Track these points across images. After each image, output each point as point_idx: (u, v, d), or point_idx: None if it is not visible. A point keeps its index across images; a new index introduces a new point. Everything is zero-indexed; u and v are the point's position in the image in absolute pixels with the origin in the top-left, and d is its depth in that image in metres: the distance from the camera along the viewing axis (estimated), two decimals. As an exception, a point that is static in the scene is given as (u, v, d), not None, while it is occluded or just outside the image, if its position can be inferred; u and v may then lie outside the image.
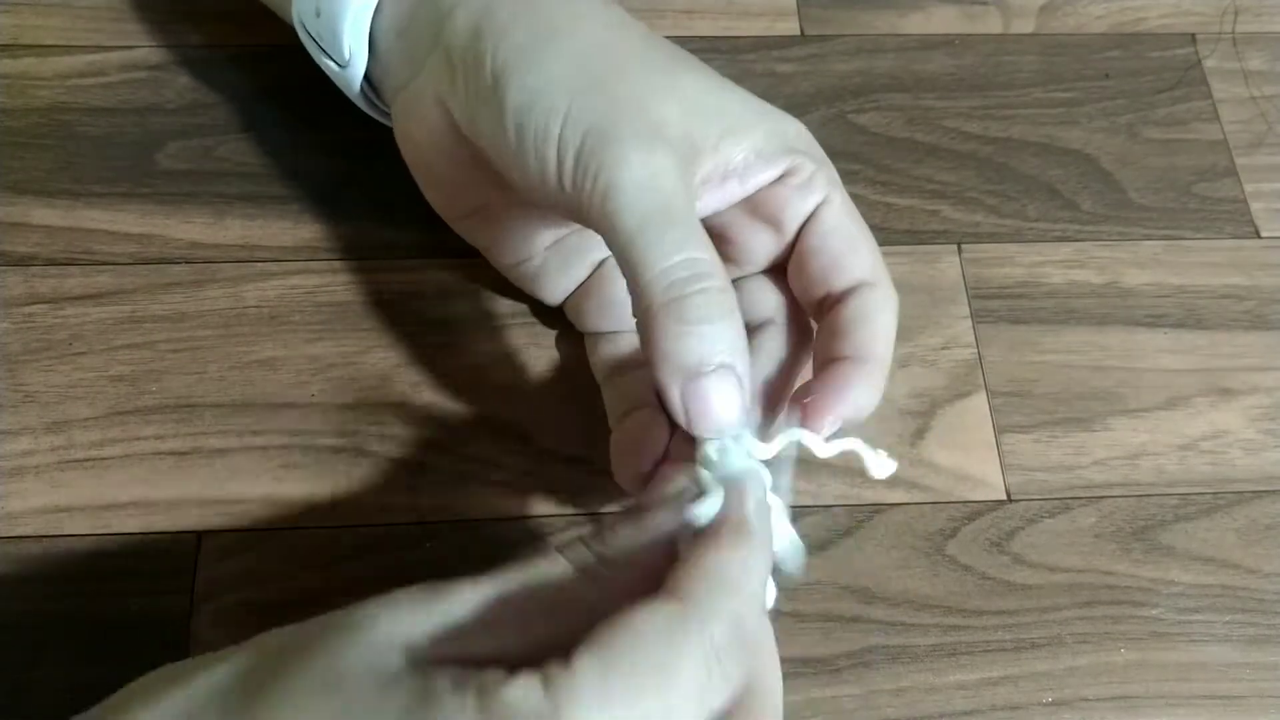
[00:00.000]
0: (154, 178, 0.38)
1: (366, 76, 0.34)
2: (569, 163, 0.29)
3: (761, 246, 0.32)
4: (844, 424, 0.29)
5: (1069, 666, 0.33)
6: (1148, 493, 0.36)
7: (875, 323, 0.31)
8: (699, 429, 0.27)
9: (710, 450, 0.27)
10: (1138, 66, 0.44)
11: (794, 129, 0.32)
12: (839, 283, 0.31)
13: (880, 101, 0.42)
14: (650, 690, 0.22)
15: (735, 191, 0.31)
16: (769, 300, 0.33)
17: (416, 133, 0.33)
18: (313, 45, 0.35)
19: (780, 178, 0.31)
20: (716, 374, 0.27)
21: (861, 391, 0.30)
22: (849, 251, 0.31)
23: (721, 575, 0.24)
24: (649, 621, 0.22)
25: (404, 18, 0.33)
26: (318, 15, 0.34)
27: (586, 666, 0.21)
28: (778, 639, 0.33)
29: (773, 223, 0.31)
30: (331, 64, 0.34)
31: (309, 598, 0.32)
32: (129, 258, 0.37)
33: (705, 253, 0.28)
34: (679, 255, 0.27)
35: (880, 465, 0.30)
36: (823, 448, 0.29)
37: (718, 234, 0.32)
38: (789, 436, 0.28)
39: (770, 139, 0.30)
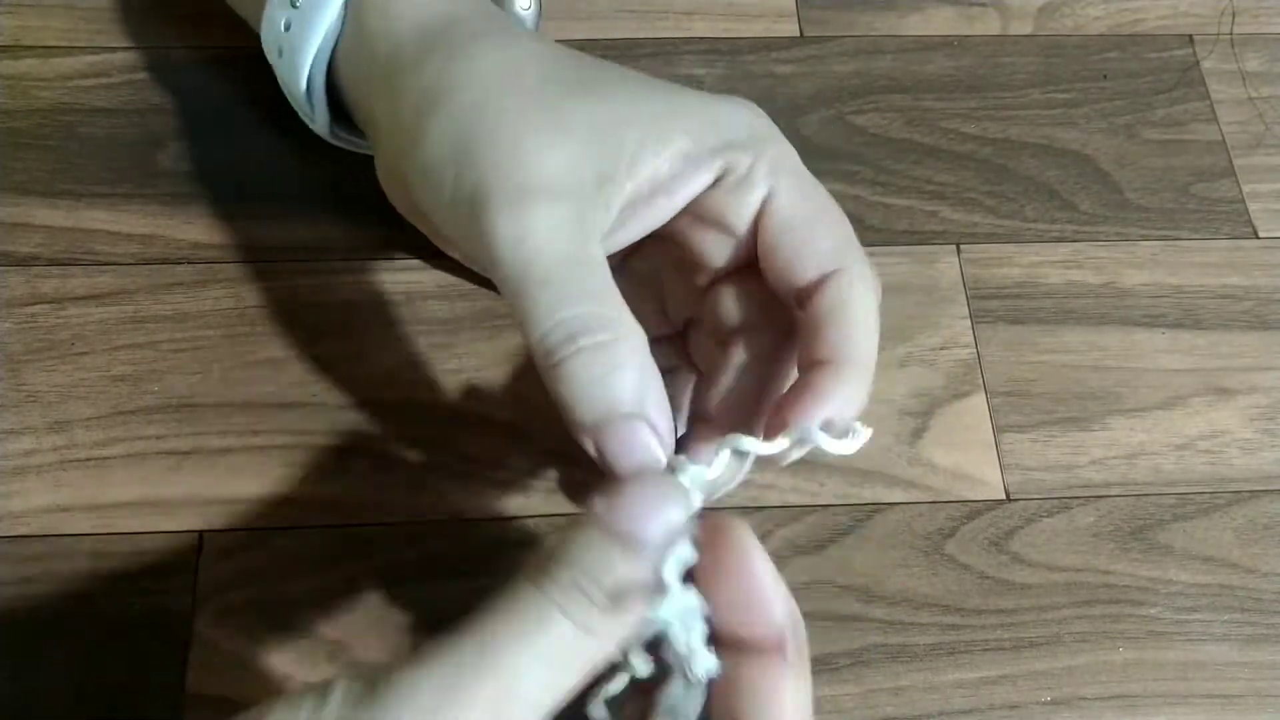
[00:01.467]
0: (156, 178, 0.39)
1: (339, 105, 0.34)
2: (462, 238, 0.29)
3: (719, 250, 0.30)
4: (835, 429, 0.28)
5: (1067, 665, 0.33)
6: (1146, 492, 0.36)
7: (846, 316, 0.29)
8: (621, 473, 0.26)
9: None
10: (1136, 67, 0.44)
11: (727, 118, 0.30)
12: (804, 276, 0.29)
13: (879, 102, 0.42)
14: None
15: (666, 205, 0.29)
16: (737, 306, 0.31)
17: (379, 173, 0.33)
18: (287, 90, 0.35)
19: (716, 180, 0.29)
20: (621, 424, 0.26)
21: (839, 399, 0.28)
22: (805, 241, 0.29)
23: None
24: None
25: (348, 68, 0.33)
26: (280, 55, 0.34)
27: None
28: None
29: (721, 226, 0.30)
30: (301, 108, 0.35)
31: (310, 597, 0.32)
32: (131, 258, 0.37)
33: (586, 306, 0.26)
34: (552, 318, 0.26)
35: (838, 444, 0.27)
36: (772, 448, 0.27)
37: (673, 241, 0.31)
38: (727, 444, 0.26)
39: (696, 140, 0.29)
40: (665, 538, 0.23)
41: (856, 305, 0.29)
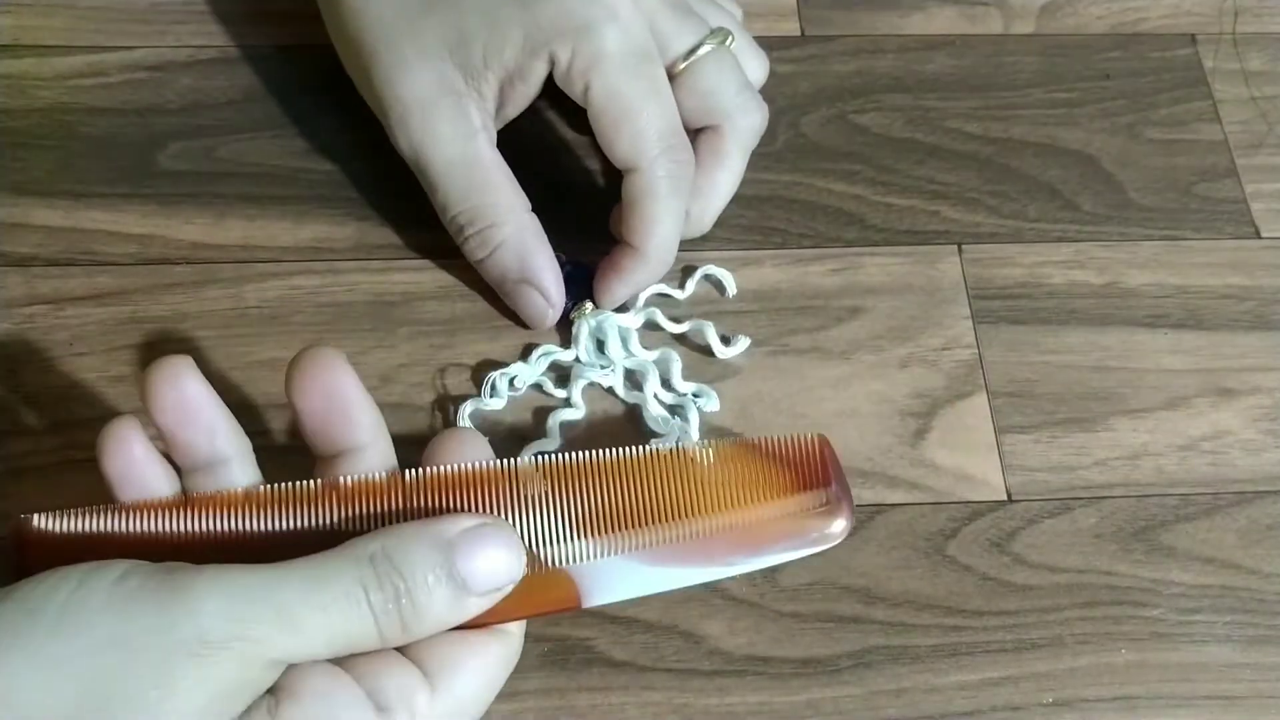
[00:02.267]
0: (155, 178, 0.38)
1: None
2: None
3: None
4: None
5: (1070, 667, 0.33)
6: (1148, 493, 0.36)
7: (635, 210, 0.34)
8: (526, 316, 0.36)
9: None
10: (1138, 67, 0.44)
11: (559, 5, 0.33)
12: (616, 163, 0.34)
13: (881, 102, 0.42)
14: None
15: (524, 90, 0.35)
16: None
17: None
18: None
19: (551, 70, 0.34)
20: (512, 287, 0.36)
21: (629, 278, 0.35)
22: (610, 139, 0.34)
23: None
24: None
25: None
26: None
27: None
28: (779, 640, 0.33)
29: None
30: None
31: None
32: (130, 258, 0.37)
33: (471, 200, 0.35)
34: (447, 213, 0.35)
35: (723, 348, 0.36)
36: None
37: None
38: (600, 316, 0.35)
39: (529, 35, 0.34)
40: (490, 593, 0.26)
41: (644, 202, 0.34)
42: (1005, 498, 0.35)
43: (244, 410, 0.35)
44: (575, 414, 0.35)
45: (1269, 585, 0.34)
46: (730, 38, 0.37)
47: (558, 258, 0.36)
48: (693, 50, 0.36)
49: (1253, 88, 0.44)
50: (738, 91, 0.37)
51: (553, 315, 0.36)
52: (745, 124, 0.37)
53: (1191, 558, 0.35)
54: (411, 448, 0.35)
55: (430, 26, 0.34)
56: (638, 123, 0.34)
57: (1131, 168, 0.41)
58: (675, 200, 0.35)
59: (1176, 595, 0.34)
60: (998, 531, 0.35)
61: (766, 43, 0.43)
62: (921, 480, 0.35)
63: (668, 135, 0.34)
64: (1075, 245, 0.40)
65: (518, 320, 0.37)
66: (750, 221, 0.39)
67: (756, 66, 0.39)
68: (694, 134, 0.36)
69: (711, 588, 0.33)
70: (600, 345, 0.36)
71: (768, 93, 0.42)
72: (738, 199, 0.39)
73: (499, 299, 0.37)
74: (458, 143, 0.34)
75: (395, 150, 0.36)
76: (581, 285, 0.36)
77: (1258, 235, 0.40)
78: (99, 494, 0.33)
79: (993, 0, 0.45)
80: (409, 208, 0.38)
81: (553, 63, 0.34)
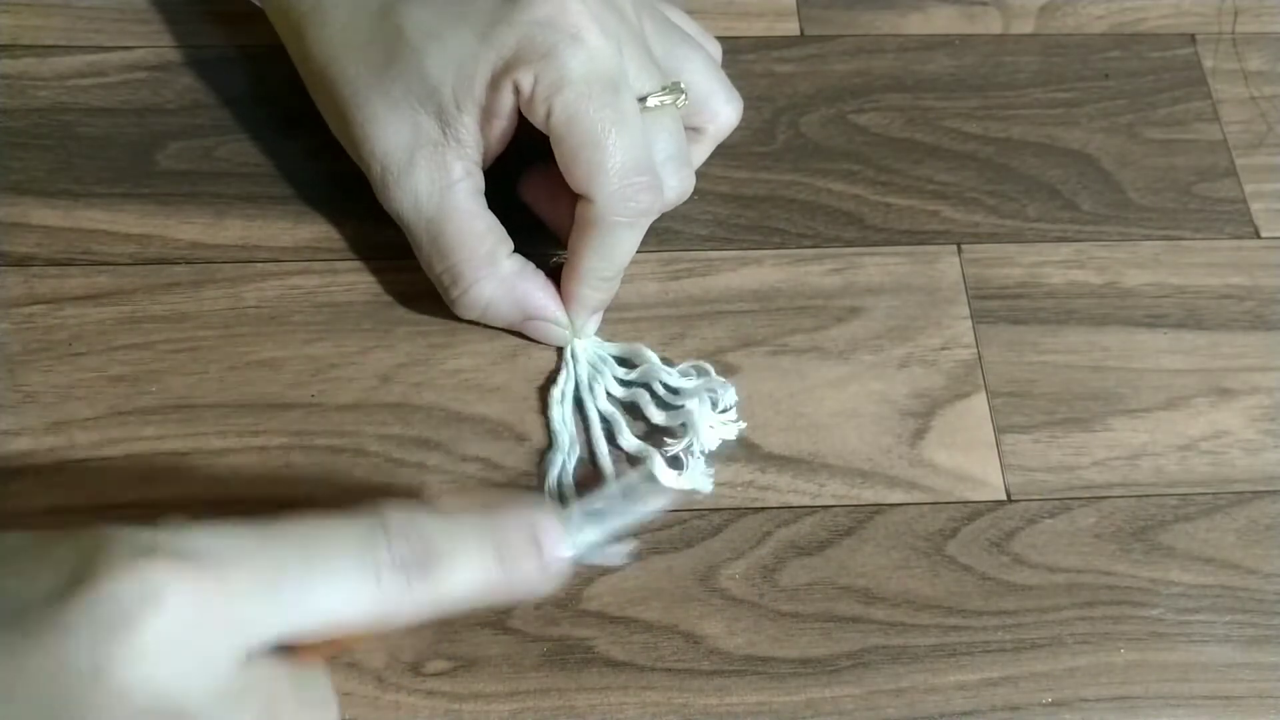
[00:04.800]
0: (154, 178, 0.38)
1: None
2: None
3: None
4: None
5: (1069, 667, 0.33)
6: (1148, 493, 0.36)
7: (581, 239, 0.34)
8: (533, 333, 0.36)
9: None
10: (1138, 67, 0.44)
11: (517, 30, 0.32)
12: (574, 189, 0.33)
13: (880, 102, 0.42)
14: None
15: (499, 124, 0.34)
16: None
17: None
18: None
19: (516, 98, 0.33)
20: (523, 326, 0.36)
21: (572, 303, 0.35)
22: (567, 166, 0.33)
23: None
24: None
25: None
26: None
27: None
28: (778, 639, 0.33)
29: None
30: None
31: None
32: (129, 258, 0.37)
33: (450, 259, 0.34)
34: (433, 271, 0.35)
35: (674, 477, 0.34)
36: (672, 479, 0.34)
37: None
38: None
39: (492, 66, 0.33)
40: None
41: (591, 231, 0.34)
42: (1005, 498, 0.35)
43: (242, 410, 0.35)
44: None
45: (1268, 585, 0.34)
46: (681, 97, 0.34)
47: (556, 259, 0.36)
48: (641, 100, 0.33)
49: (1252, 88, 0.44)
50: (664, 160, 0.34)
51: (569, 334, 0.36)
52: (671, 188, 0.35)
53: (1191, 558, 0.35)
54: (411, 448, 0.35)
55: (395, 78, 0.34)
56: (595, 154, 0.32)
57: (1131, 167, 0.41)
58: (628, 234, 0.34)
59: (1176, 595, 0.34)
60: (997, 531, 0.35)
61: (766, 43, 0.43)
62: (921, 480, 0.35)
63: (628, 171, 0.33)
64: (1075, 245, 0.40)
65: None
66: (750, 221, 0.39)
67: (729, 111, 0.37)
68: None
69: (711, 587, 0.33)
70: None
71: (767, 93, 0.42)
72: (738, 199, 0.39)
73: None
74: (434, 199, 0.34)
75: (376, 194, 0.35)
76: None
77: (1257, 235, 0.40)
78: (99, 494, 0.33)
79: (992, 0, 0.45)
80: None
81: (517, 91, 0.33)
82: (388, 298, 0.37)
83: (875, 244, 0.39)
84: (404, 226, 0.35)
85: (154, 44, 0.41)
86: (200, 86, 0.40)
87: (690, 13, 0.43)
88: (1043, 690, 0.33)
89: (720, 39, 0.42)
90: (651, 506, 0.32)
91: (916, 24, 0.44)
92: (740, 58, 0.42)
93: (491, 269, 0.34)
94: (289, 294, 0.37)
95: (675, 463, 0.34)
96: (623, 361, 0.36)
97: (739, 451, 0.35)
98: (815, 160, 0.41)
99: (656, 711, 0.32)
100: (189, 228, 0.38)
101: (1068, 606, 0.34)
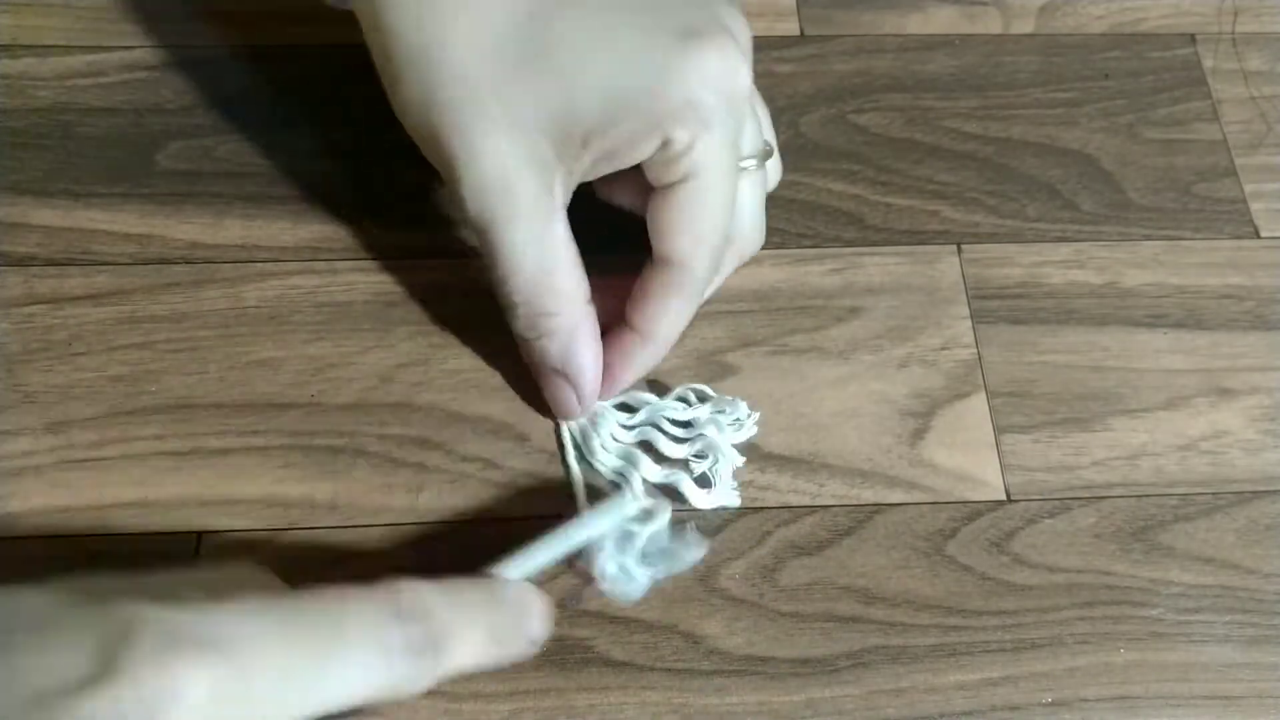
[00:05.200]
0: (153, 178, 0.38)
1: None
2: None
3: (632, 184, 0.34)
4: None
5: (1069, 667, 0.33)
6: (1147, 493, 0.36)
7: (656, 301, 0.33)
8: (557, 411, 0.35)
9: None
10: (1138, 67, 0.44)
11: (681, 83, 0.30)
12: (657, 250, 0.33)
13: (880, 102, 0.42)
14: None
15: (614, 164, 0.32)
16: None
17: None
18: None
19: (657, 149, 0.31)
20: (546, 376, 0.34)
21: (635, 363, 0.34)
22: (672, 229, 0.32)
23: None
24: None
25: None
26: None
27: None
28: (778, 639, 0.33)
29: (642, 176, 0.33)
30: None
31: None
32: (128, 258, 0.37)
33: (536, 294, 0.32)
34: (513, 300, 0.33)
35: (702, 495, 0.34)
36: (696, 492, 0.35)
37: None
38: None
39: (644, 119, 0.30)
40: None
41: (671, 298, 0.33)
42: (1004, 497, 0.35)
43: (242, 410, 0.35)
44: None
45: (1268, 585, 0.34)
46: (771, 154, 0.35)
47: None
48: (744, 160, 0.33)
49: (1252, 87, 0.44)
50: (755, 215, 0.35)
51: (580, 412, 0.34)
52: (750, 247, 0.36)
53: (1190, 558, 0.35)
54: (411, 448, 0.35)
55: (527, 89, 0.30)
56: (705, 228, 0.32)
57: (1131, 167, 0.41)
58: (697, 301, 0.34)
59: (1175, 595, 0.34)
60: (997, 531, 0.35)
61: (766, 43, 0.43)
62: (920, 480, 0.35)
63: (724, 241, 0.33)
64: (1074, 245, 0.40)
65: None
66: (749, 221, 0.39)
67: (776, 179, 0.37)
68: None
69: (711, 587, 0.33)
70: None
71: (767, 93, 0.42)
72: (737, 199, 0.39)
73: (498, 300, 0.37)
74: (535, 224, 0.31)
75: (458, 209, 0.32)
76: None
77: (1257, 235, 0.40)
78: (99, 494, 0.33)
79: (992, 0, 0.45)
80: (409, 208, 0.38)
81: (662, 145, 0.31)
82: (388, 298, 0.37)
83: (875, 244, 0.39)
84: (488, 239, 0.32)
85: (154, 44, 0.41)
86: (200, 86, 0.40)
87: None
88: (1043, 690, 0.33)
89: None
90: (687, 559, 0.33)
91: (916, 24, 0.44)
92: (740, 58, 0.42)
93: (570, 305, 0.33)
94: (289, 294, 0.37)
95: (703, 481, 0.34)
96: (622, 406, 0.36)
97: (739, 451, 0.35)
98: (815, 160, 0.41)
99: (656, 711, 0.32)
100: (189, 228, 0.38)
101: (1068, 606, 0.34)
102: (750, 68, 0.32)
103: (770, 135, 0.36)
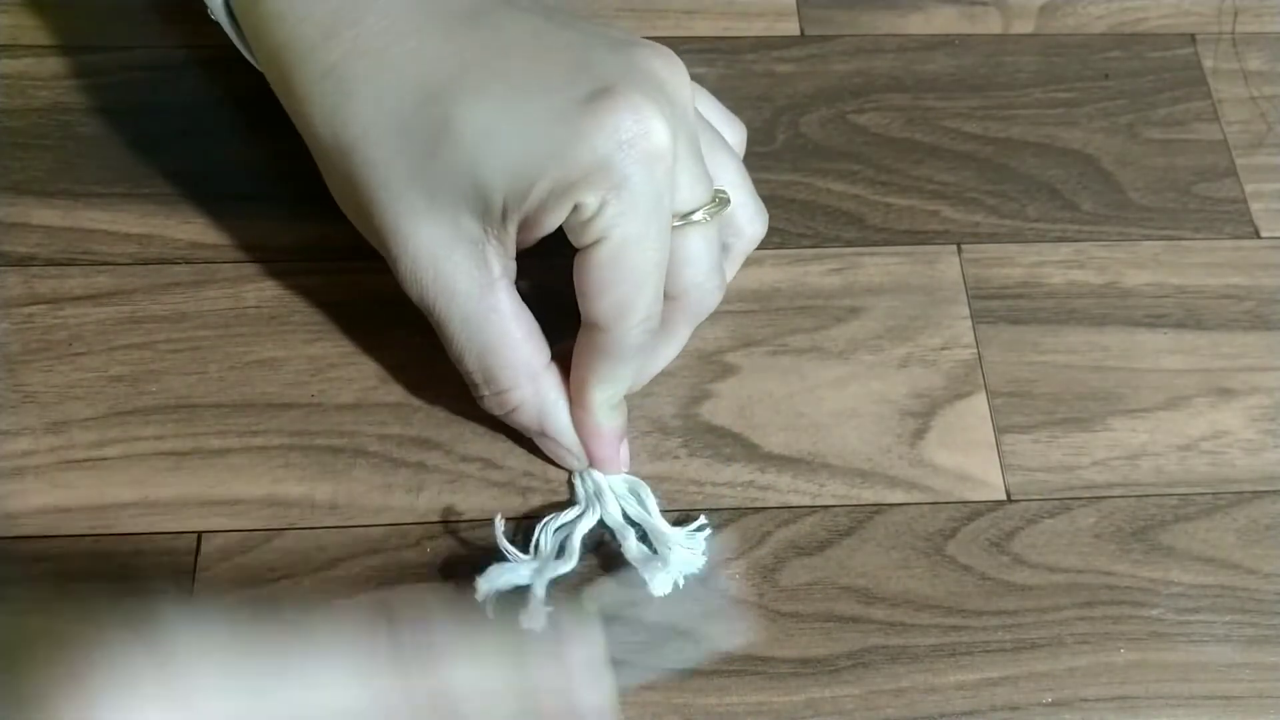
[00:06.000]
0: (153, 178, 0.38)
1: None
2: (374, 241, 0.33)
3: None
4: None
5: (1069, 667, 0.33)
6: (1148, 493, 0.36)
7: (587, 368, 0.32)
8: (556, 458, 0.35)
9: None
10: (1138, 67, 0.44)
11: (592, 145, 0.29)
12: (584, 315, 0.32)
13: (880, 102, 0.42)
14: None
15: (536, 231, 0.31)
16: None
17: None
18: None
19: (570, 213, 0.30)
20: (539, 440, 0.34)
21: (590, 435, 0.34)
22: (597, 294, 0.31)
23: None
24: None
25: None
26: None
27: None
28: (778, 639, 0.33)
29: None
30: None
31: (309, 598, 0.32)
32: (129, 258, 0.37)
33: (487, 360, 0.32)
34: (462, 366, 0.33)
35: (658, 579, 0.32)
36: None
37: None
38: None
39: (556, 182, 0.29)
40: None
41: (600, 361, 0.32)
42: (1004, 497, 0.35)
43: (242, 410, 0.35)
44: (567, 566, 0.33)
45: (1268, 585, 0.34)
46: (726, 205, 0.33)
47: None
48: (689, 214, 0.32)
49: (1252, 87, 0.44)
50: (709, 271, 0.33)
51: (579, 464, 0.34)
52: (704, 303, 0.34)
53: (1191, 558, 0.35)
54: (411, 448, 0.35)
55: (440, 174, 0.30)
56: (630, 295, 0.31)
57: (1131, 167, 0.41)
58: (633, 364, 0.33)
59: (1176, 595, 0.34)
60: (997, 531, 0.35)
61: (766, 43, 0.43)
62: (921, 480, 0.35)
63: (652, 309, 0.31)
64: (1075, 245, 0.40)
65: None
66: (749, 221, 0.39)
67: (757, 227, 0.36)
68: None
69: (711, 587, 0.33)
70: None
71: (767, 92, 0.42)
72: (737, 199, 0.39)
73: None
74: (474, 297, 0.31)
75: (399, 282, 0.33)
76: None
77: (1257, 235, 0.40)
78: (99, 494, 0.33)
79: (992, 0, 0.45)
80: (408, 207, 0.38)
81: (575, 209, 0.30)
82: (388, 298, 0.37)
83: (875, 244, 0.39)
84: (434, 319, 0.32)
85: (154, 44, 0.41)
86: (200, 86, 0.40)
87: (690, 12, 0.43)
88: (1043, 690, 0.33)
89: (720, 39, 0.42)
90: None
91: (916, 24, 0.44)
92: (740, 58, 0.42)
93: (527, 375, 0.32)
94: (289, 294, 0.37)
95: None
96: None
97: (739, 451, 0.35)
98: (815, 160, 0.41)
99: (656, 711, 0.32)
100: (189, 227, 0.38)
101: (1068, 606, 0.34)
102: (672, 122, 0.30)
103: (737, 180, 0.34)
